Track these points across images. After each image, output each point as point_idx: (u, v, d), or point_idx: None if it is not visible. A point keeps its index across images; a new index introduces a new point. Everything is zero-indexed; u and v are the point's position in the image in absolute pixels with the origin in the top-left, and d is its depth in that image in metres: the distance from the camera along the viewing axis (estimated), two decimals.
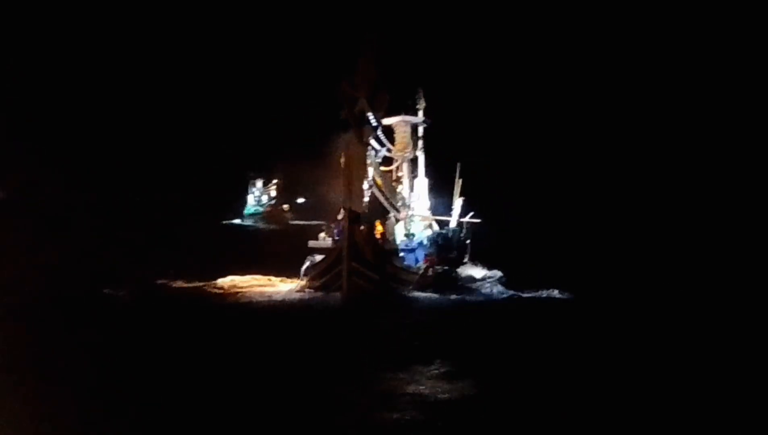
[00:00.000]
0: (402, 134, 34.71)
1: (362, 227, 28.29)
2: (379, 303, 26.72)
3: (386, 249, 29.27)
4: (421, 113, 35.69)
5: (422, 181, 36.00)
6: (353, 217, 27.94)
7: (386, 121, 32.75)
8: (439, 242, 31.25)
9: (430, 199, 35.57)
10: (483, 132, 56.43)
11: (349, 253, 27.45)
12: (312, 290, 28.89)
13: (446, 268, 30.88)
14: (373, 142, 30.60)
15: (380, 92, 30.14)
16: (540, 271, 32.46)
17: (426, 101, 36.29)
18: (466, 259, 33.91)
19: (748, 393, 14.68)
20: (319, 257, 29.80)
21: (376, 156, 31.37)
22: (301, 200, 68.72)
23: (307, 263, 30.79)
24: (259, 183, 67.91)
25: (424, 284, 29.35)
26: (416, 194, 35.15)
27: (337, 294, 27.60)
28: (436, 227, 34.62)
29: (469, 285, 31.14)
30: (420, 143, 35.68)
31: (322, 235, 31.11)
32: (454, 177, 35.70)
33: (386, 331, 22.30)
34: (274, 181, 67.69)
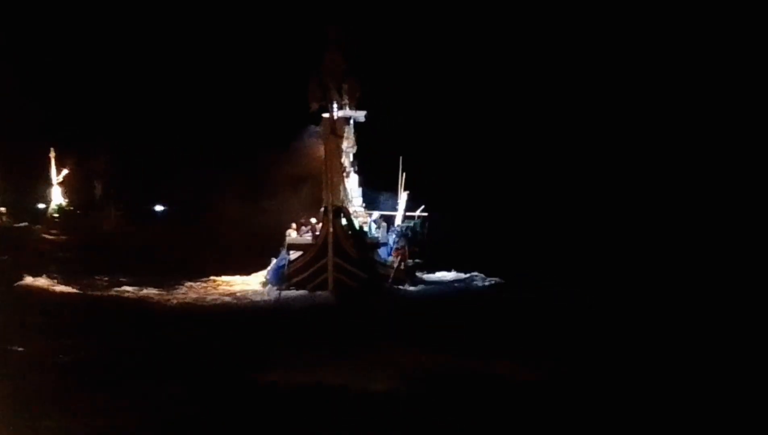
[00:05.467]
0: (346, 129, 34.17)
1: (345, 222, 27.45)
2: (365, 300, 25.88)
3: (367, 242, 28.58)
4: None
5: (353, 178, 35.46)
6: (336, 211, 27.07)
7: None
8: (409, 235, 30.96)
9: (372, 194, 35.21)
10: (424, 125, 56.01)
11: (334, 248, 26.60)
12: (289, 288, 27.56)
13: (417, 260, 30.80)
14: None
15: (350, 81, 29.56)
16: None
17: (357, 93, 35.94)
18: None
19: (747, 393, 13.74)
20: (294, 254, 28.51)
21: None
22: (42, 206, 66.62)
23: (275, 262, 29.51)
24: None
25: (398, 278, 29.04)
26: (352, 190, 34.62)
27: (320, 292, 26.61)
28: (373, 223, 34.21)
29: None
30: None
31: (290, 231, 29.79)
32: (398, 171, 35.52)
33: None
34: None
